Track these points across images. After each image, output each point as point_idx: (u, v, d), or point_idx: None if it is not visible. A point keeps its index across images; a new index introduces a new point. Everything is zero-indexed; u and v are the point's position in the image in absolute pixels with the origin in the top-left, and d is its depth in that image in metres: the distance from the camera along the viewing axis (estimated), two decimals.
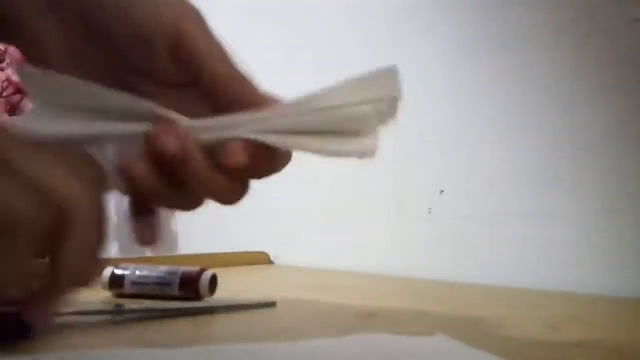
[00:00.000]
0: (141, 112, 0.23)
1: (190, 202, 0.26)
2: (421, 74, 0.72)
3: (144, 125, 0.23)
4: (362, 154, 0.23)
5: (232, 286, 0.55)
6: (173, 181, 0.23)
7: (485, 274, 0.61)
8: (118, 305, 0.36)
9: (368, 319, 0.35)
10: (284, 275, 0.73)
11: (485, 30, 0.65)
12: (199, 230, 1.09)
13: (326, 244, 0.82)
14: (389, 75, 0.24)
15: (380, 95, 0.23)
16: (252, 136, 0.23)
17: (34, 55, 0.24)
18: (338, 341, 0.30)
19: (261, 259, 0.87)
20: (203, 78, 0.24)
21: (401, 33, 0.75)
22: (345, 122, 0.23)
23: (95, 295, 0.47)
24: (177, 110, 0.24)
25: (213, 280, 0.46)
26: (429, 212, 0.69)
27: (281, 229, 0.90)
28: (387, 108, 0.23)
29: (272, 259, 0.89)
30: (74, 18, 0.23)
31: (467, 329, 0.35)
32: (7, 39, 0.25)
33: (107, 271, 0.47)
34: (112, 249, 0.98)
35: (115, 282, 0.46)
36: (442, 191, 0.68)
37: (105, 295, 0.47)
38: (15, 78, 0.61)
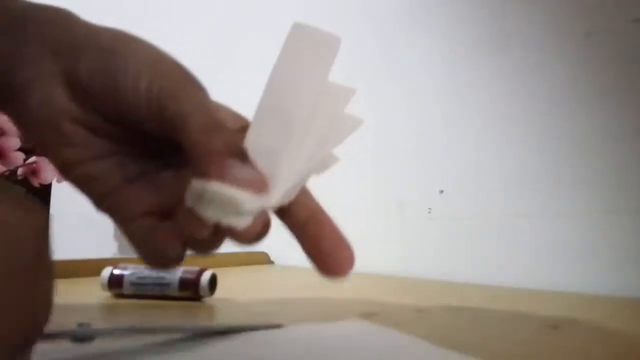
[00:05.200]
0: None
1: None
2: (421, 74, 0.72)
3: None
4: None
5: (232, 286, 0.55)
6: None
7: (485, 273, 0.61)
8: (81, 325, 0.28)
9: (368, 319, 0.35)
10: (284, 275, 0.73)
11: (486, 30, 0.65)
12: None
13: None
14: None
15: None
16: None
17: (41, 119, 0.23)
18: (265, 333, 0.31)
19: (261, 259, 0.87)
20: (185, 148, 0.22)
21: (401, 33, 0.75)
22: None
23: (93, 296, 0.47)
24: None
25: (213, 280, 0.46)
26: (429, 212, 0.70)
27: (281, 229, 0.89)
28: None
29: (272, 259, 0.89)
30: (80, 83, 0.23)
31: (467, 329, 0.35)
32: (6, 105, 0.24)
33: (107, 271, 0.47)
34: (112, 249, 0.98)
35: (115, 282, 0.46)
36: (442, 191, 0.68)
37: (105, 295, 0.47)
38: None
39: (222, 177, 0.20)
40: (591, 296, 0.50)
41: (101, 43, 0.23)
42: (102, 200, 0.24)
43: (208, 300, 0.46)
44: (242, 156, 0.22)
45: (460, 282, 0.61)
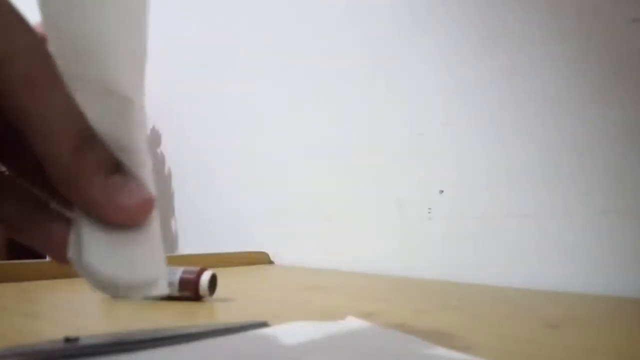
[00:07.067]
0: None
1: None
2: (421, 74, 0.72)
3: None
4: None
5: (232, 286, 0.55)
6: None
7: (485, 273, 0.61)
8: (69, 340, 0.27)
9: (368, 319, 0.34)
10: (284, 275, 0.73)
11: (486, 30, 0.65)
12: (199, 230, 1.09)
13: (326, 244, 0.82)
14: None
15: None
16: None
17: None
18: (260, 332, 0.31)
19: (261, 259, 0.87)
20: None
21: (401, 33, 0.75)
22: None
23: (94, 296, 0.47)
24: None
25: (213, 280, 0.46)
26: (429, 212, 0.69)
27: (281, 229, 0.90)
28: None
29: (272, 259, 0.89)
30: None
31: (468, 329, 0.35)
32: None
33: None
34: None
35: None
36: (442, 191, 0.68)
37: (105, 295, 0.47)
38: None
39: (110, 214, 0.18)
40: (592, 296, 0.50)
41: None
42: None
43: (208, 300, 0.46)
44: (114, 165, 0.18)
45: (460, 282, 0.61)
